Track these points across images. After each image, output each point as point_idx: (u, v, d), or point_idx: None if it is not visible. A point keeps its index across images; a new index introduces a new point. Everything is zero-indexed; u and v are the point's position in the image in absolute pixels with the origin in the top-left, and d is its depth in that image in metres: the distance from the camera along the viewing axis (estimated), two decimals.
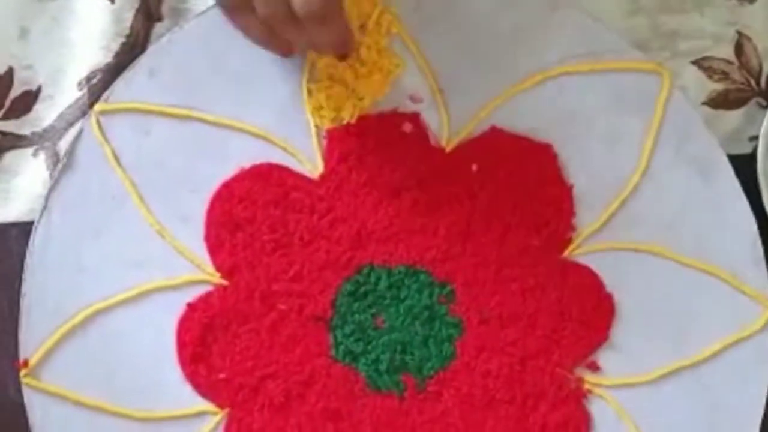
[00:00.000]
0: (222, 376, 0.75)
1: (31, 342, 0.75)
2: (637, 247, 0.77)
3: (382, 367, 0.76)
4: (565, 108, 0.78)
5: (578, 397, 0.76)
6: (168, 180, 0.76)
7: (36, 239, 0.76)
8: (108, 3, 0.79)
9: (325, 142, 0.77)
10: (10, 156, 0.78)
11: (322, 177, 0.77)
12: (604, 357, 0.77)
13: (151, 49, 0.77)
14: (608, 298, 0.77)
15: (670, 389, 0.76)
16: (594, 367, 0.76)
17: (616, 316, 0.77)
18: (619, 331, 0.77)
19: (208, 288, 0.76)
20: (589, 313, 0.77)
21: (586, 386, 0.76)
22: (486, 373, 0.76)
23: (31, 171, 0.78)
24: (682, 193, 0.78)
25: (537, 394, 0.76)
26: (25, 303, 0.75)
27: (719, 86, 0.80)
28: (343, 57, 0.76)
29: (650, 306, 0.77)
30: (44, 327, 0.75)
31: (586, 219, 0.77)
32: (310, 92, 0.77)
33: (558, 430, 0.76)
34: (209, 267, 0.76)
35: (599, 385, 0.76)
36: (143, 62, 0.77)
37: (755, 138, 0.78)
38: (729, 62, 0.80)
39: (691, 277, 0.77)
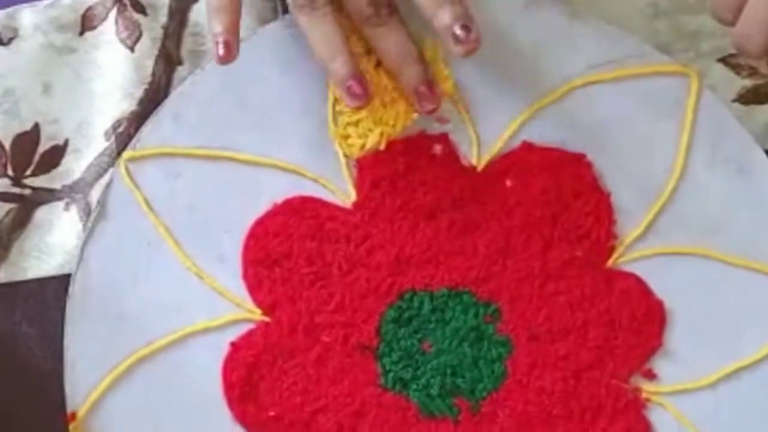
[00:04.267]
0: (272, 413, 0.74)
1: (78, 394, 0.74)
2: (682, 251, 0.76)
3: (434, 391, 0.74)
4: (594, 117, 0.77)
5: (637, 407, 0.74)
6: (201, 221, 0.75)
7: (75, 290, 0.75)
8: (128, 52, 0.79)
9: (355, 170, 0.76)
10: (42, 211, 0.78)
11: (356, 205, 0.76)
12: (659, 364, 0.75)
13: (175, 93, 0.77)
14: (658, 304, 0.75)
15: (730, 392, 0.75)
16: (650, 375, 0.75)
17: (668, 322, 0.75)
18: (672, 337, 0.75)
19: (251, 326, 0.75)
20: (640, 320, 0.75)
21: (644, 395, 0.75)
22: (540, 389, 0.74)
23: (64, 224, 0.77)
24: (723, 192, 0.76)
25: (594, 407, 0.74)
26: (68, 356, 0.74)
27: (748, 82, 0.79)
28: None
29: (702, 309, 0.75)
30: (90, 378, 0.74)
31: (628, 227, 0.76)
32: (335, 122, 0.76)
33: None
34: (250, 304, 0.75)
35: (657, 393, 0.75)
36: (168, 107, 0.76)
37: None
38: None
39: (740, 276, 0.75)
